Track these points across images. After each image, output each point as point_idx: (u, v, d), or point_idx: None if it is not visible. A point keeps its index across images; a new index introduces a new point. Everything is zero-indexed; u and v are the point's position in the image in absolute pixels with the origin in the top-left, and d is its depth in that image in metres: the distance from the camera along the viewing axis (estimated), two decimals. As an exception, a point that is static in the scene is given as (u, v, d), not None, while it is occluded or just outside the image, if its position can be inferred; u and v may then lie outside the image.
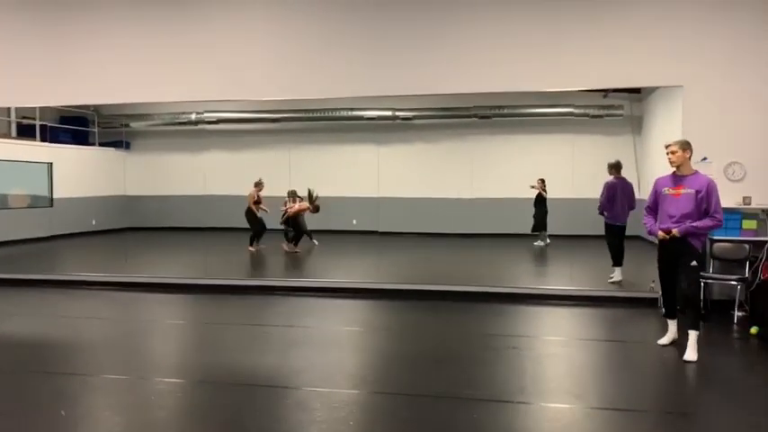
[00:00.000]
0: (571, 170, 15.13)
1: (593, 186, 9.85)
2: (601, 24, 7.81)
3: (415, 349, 6.05)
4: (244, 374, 5.23)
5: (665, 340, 5.84)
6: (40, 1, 9.17)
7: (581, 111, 15.22)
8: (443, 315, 7.60)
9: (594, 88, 10.88)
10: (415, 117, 16.19)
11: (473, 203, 16.07)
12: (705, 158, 7.25)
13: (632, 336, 6.58)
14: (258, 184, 13.27)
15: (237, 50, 8.64)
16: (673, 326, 5.85)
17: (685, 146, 5.49)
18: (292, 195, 13.59)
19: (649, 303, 7.69)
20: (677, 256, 5.49)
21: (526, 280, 10.26)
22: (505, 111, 15.53)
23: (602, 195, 9.24)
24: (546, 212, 14.13)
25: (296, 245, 13.13)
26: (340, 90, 8.68)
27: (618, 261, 9.16)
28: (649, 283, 7.83)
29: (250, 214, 13.15)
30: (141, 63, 8.83)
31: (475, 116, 15.74)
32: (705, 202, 5.35)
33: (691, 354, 5.37)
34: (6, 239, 14.25)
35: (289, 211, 13.20)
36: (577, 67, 7.89)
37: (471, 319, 7.36)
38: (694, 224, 5.36)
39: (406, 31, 8.24)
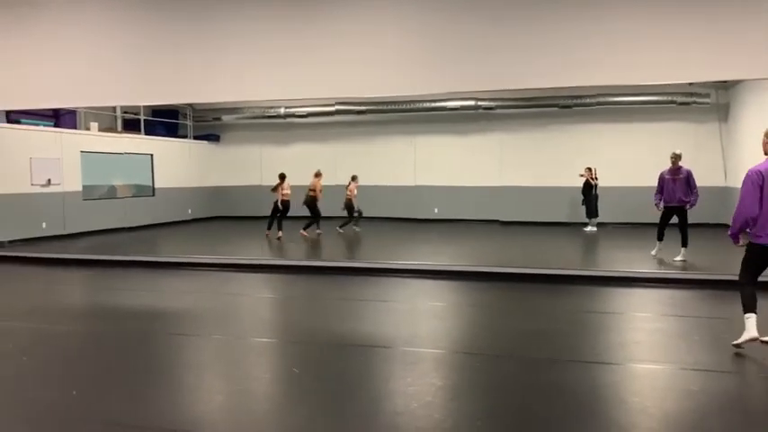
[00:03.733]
0: (657, 157, 15.11)
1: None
2: (716, 16, 7.92)
3: (503, 321, 6.63)
4: (332, 336, 5.94)
5: (740, 339, 5.16)
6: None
7: (668, 98, 15.24)
8: (533, 295, 7.99)
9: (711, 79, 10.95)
10: (497, 107, 16.58)
11: (559, 192, 16.39)
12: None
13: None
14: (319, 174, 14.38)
15: (352, 52, 9.21)
16: (750, 323, 5.10)
17: None
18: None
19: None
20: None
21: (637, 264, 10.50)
22: (588, 100, 15.69)
23: (694, 187, 9.57)
24: (595, 198, 14.45)
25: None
26: (442, 86, 9.36)
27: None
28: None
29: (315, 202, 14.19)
30: (268, 64, 9.47)
31: (556, 105, 16.02)
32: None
33: None
34: (115, 227, 15.35)
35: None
36: (691, 58, 8.06)
37: (564, 299, 7.75)
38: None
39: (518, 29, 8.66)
